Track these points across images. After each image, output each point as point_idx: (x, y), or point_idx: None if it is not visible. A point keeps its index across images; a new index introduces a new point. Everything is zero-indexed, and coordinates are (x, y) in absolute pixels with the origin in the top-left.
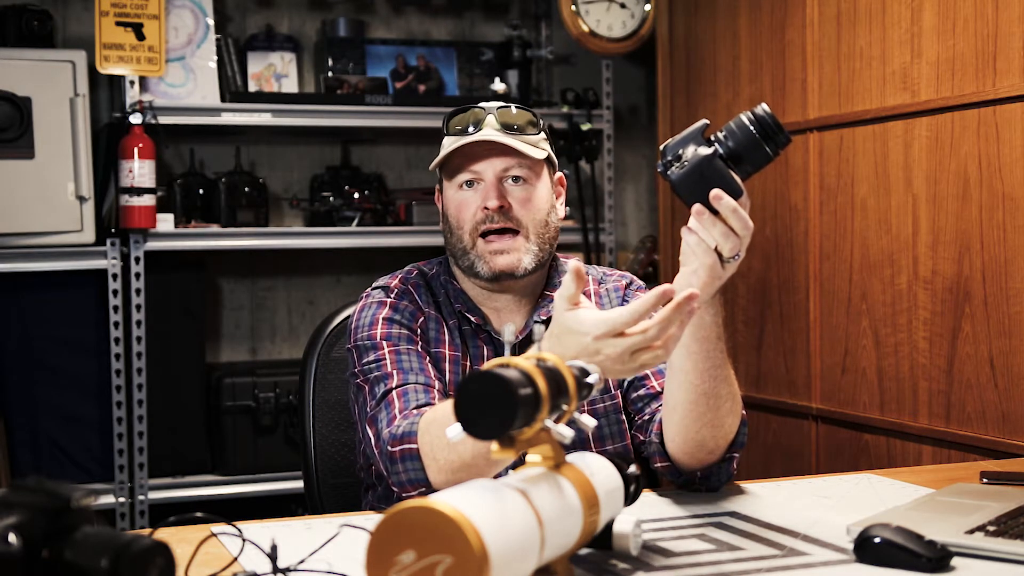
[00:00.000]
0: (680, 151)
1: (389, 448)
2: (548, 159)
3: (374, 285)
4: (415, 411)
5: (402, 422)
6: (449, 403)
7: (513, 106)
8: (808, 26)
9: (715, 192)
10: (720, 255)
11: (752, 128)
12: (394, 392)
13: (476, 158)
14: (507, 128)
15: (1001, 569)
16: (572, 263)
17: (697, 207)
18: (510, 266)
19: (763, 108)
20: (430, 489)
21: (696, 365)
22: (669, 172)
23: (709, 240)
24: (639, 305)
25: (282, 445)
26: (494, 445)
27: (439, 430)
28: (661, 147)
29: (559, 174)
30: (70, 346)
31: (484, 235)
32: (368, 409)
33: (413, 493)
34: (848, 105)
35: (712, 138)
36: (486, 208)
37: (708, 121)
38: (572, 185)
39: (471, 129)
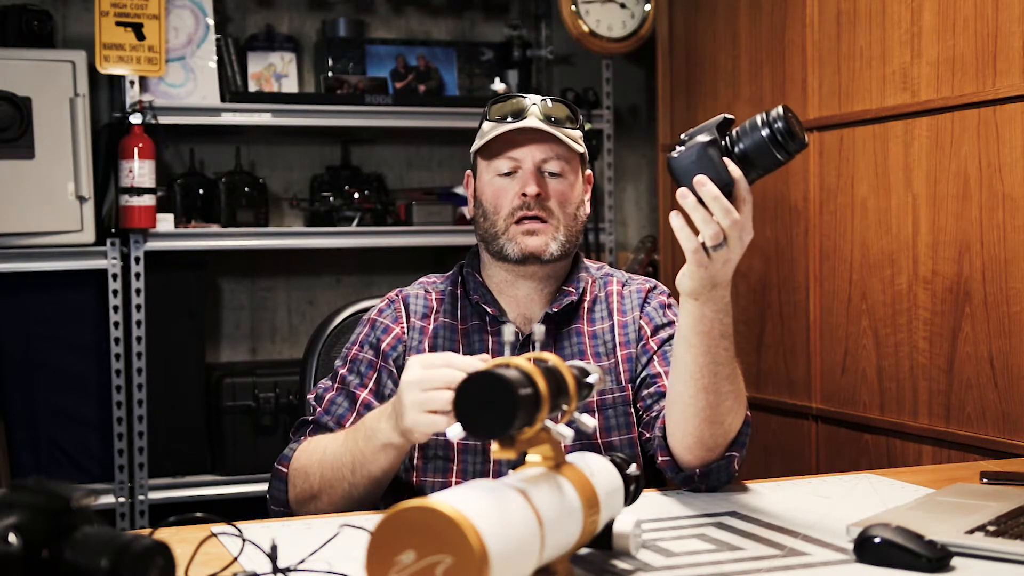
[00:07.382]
0: (689, 138)
1: (275, 464)
2: (581, 155)
3: (381, 301)
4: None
5: (293, 446)
6: (324, 437)
7: (550, 99)
8: (808, 26)
9: (698, 178)
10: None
11: (762, 131)
12: (311, 424)
13: (516, 145)
14: (549, 120)
15: (1001, 569)
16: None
17: (681, 191)
18: (538, 248)
19: (778, 112)
20: (288, 509)
21: (696, 359)
22: (670, 154)
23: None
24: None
25: (282, 445)
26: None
27: (302, 460)
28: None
29: (588, 171)
30: (70, 346)
31: (518, 221)
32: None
33: (277, 509)
34: (848, 105)
35: (726, 132)
36: (524, 195)
37: (732, 116)
38: None
39: (510, 118)
